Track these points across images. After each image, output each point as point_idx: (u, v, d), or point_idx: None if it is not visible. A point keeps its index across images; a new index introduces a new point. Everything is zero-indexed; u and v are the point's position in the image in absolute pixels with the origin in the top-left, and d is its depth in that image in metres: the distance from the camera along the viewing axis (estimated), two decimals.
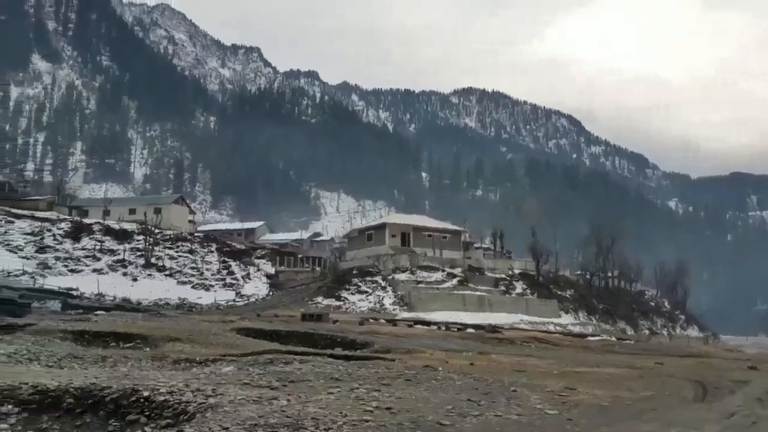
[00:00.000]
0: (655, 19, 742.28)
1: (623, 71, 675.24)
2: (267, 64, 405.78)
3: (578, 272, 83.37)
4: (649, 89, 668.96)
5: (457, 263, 65.31)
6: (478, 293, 58.86)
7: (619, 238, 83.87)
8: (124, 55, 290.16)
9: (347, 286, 57.89)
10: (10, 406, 8.14)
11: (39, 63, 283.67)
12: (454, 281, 61.70)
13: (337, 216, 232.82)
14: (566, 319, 60.09)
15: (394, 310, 52.83)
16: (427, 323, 38.55)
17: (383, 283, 58.84)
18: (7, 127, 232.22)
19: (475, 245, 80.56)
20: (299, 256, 75.28)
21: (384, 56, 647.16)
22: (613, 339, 40.73)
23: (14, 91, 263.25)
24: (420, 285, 59.32)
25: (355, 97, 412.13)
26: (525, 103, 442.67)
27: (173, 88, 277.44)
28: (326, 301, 54.44)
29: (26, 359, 12.38)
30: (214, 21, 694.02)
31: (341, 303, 54.58)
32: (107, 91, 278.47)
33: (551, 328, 50.51)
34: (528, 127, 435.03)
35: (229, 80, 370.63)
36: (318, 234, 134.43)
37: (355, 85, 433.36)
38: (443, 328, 35.87)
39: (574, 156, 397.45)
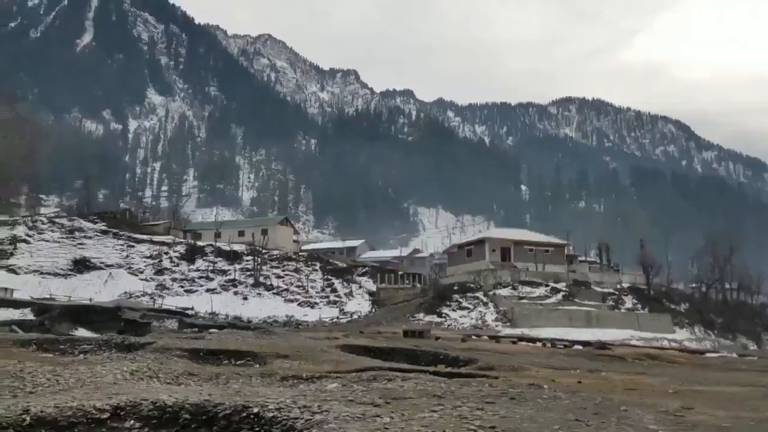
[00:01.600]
0: (758, 11, 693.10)
1: (728, 71, 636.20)
2: (364, 85, 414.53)
3: (693, 285, 78.59)
4: (760, 88, 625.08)
5: (560, 278, 63.36)
6: (584, 308, 56.78)
7: (737, 247, 78.49)
8: (231, 84, 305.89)
9: (448, 303, 57.53)
10: (132, 422, 8.66)
11: (154, 97, 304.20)
12: (559, 296, 59.87)
13: (436, 232, 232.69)
14: (681, 335, 56.76)
15: (496, 326, 51.93)
16: (532, 340, 37.57)
17: (485, 299, 58.02)
18: (127, 158, 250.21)
19: (580, 259, 77.88)
20: (399, 272, 75.69)
21: (478, 71, 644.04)
22: (734, 355, 38.00)
23: (132, 124, 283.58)
24: (523, 300, 58.01)
25: (450, 113, 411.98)
26: (628, 110, 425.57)
27: (276, 114, 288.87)
28: (427, 318, 54.32)
29: (147, 376, 13.13)
30: (313, 47, 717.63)
31: (442, 319, 54.28)
32: (216, 119, 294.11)
33: (665, 344, 47.79)
34: (632, 134, 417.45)
35: (328, 103, 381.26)
36: (417, 250, 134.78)
37: (451, 101, 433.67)
38: (549, 344, 34.82)
39: (684, 162, 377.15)
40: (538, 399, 10.91)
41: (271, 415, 8.23)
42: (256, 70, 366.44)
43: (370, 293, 66.92)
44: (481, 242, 70.99)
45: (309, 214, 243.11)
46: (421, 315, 55.30)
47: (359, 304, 63.71)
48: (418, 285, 69.51)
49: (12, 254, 66.32)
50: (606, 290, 64.32)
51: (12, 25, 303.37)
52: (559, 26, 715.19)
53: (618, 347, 36.64)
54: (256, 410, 8.41)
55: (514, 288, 60.30)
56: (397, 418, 8.15)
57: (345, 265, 75.59)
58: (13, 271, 63.04)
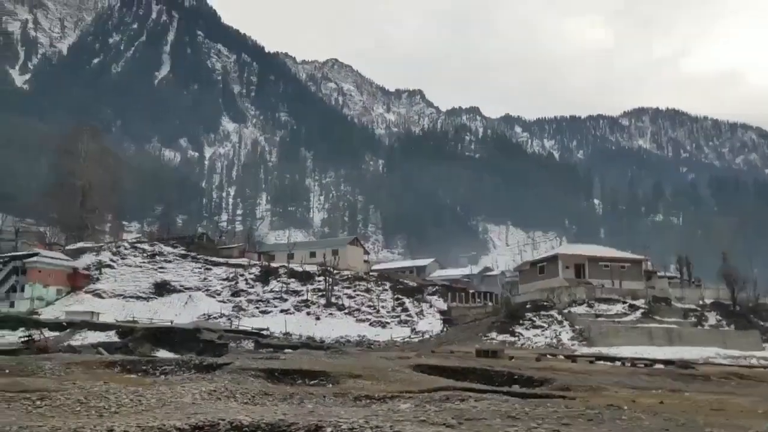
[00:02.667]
0: None
1: None
2: (429, 104, 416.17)
3: None
4: None
5: (638, 294, 61.12)
6: (665, 326, 54.49)
7: None
8: (300, 109, 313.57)
9: (521, 321, 56.45)
10: None
11: (227, 124, 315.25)
12: (637, 314, 57.71)
13: (506, 249, 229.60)
14: None
15: (572, 345, 50.50)
16: (611, 359, 36.33)
17: (559, 317, 56.61)
18: (204, 184, 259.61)
19: (659, 274, 74.86)
20: (470, 291, 74.97)
21: (543, 85, 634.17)
22: None
23: (208, 151, 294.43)
24: (599, 318, 56.23)
25: (518, 129, 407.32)
26: (705, 118, 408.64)
27: (344, 136, 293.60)
28: (500, 337, 53.46)
29: (225, 396, 13.51)
30: (378, 69, 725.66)
31: (516, 338, 53.29)
32: (286, 144, 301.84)
33: (754, 362, 45.21)
34: (710, 143, 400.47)
35: (395, 123, 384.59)
36: (488, 269, 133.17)
37: (518, 116, 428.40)
38: (628, 364, 33.57)
39: (767, 171, 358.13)
40: (617, 420, 10.56)
41: None
42: (324, 94, 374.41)
43: (441, 312, 66.51)
44: (553, 259, 69.44)
45: (378, 234, 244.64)
46: (493, 334, 54.49)
47: (430, 324, 63.40)
48: (490, 303, 68.60)
49: (98, 279, 69.74)
50: (687, 306, 61.58)
51: (95, 61, 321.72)
52: (625, 35, 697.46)
53: (702, 366, 34.95)
54: (329, 430, 8.53)
55: (590, 305, 58.57)
56: None
57: (415, 285, 75.50)
58: (99, 296, 66.25)
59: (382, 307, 67.13)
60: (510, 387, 18.40)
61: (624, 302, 59.48)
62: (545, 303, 59.46)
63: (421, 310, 66.94)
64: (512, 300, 65.40)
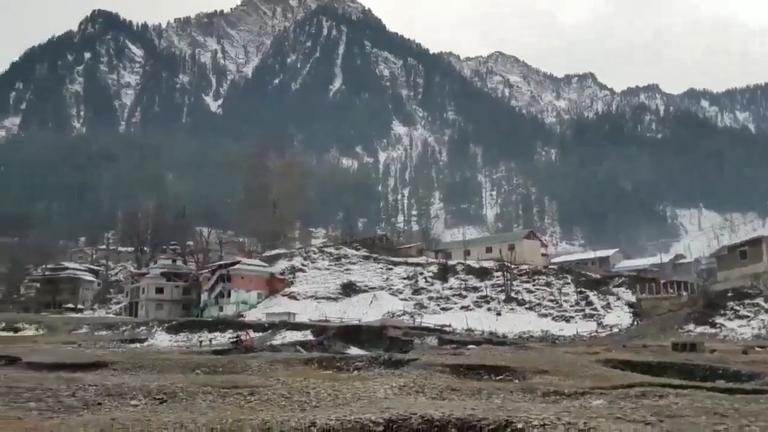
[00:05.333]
0: None
1: None
2: (602, 87, 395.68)
3: None
4: None
5: None
6: None
7: None
8: (467, 106, 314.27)
9: (722, 311, 51.62)
10: None
11: (398, 128, 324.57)
12: None
13: (699, 234, 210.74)
14: None
15: None
16: None
17: (767, 306, 51.01)
18: (380, 188, 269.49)
19: None
20: (661, 281, 69.93)
21: (730, 52, 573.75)
22: None
23: (382, 156, 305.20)
24: None
25: (704, 103, 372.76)
26: None
27: (513, 129, 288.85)
28: (699, 329, 49.32)
29: (414, 391, 14.02)
30: (545, 57, 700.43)
31: (716, 330, 48.85)
32: (455, 141, 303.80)
33: None
34: None
35: (566, 110, 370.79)
36: (680, 256, 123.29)
37: (703, 89, 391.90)
38: None
39: None
40: None
41: (535, 431, 8.31)
42: (490, 88, 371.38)
43: (630, 305, 62.86)
44: (757, 242, 62.63)
45: (555, 226, 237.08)
46: (690, 326, 50.45)
47: (618, 317, 60.19)
48: (684, 293, 63.51)
49: (292, 283, 75.27)
50: None
51: (276, 81, 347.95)
52: None
53: None
54: (520, 426, 8.56)
55: None
56: None
57: (599, 277, 72.11)
58: (294, 298, 71.44)
59: (565, 300, 65.01)
60: (713, 382, 17.03)
61: None
62: (749, 291, 53.89)
63: (608, 303, 63.80)
64: (710, 288, 60.07)
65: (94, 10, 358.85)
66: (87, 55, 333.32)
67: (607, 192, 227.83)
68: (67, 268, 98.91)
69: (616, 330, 55.94)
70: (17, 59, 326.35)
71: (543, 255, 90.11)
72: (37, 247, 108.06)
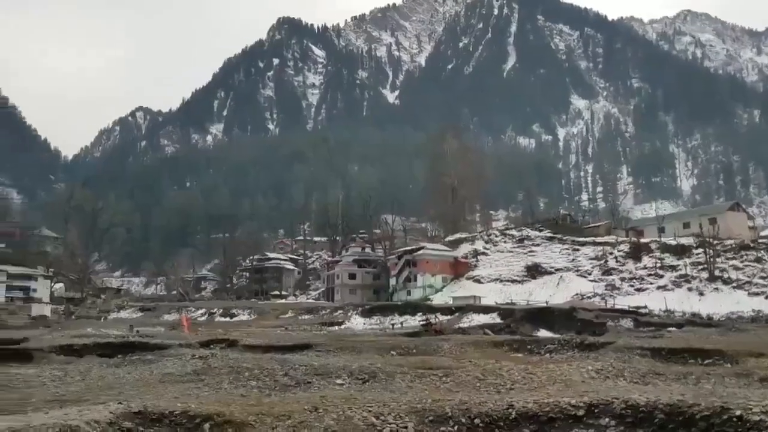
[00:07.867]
0: None
1: None
2: None
3: None
4: None
5: None
6: None
7: None
8: (653, 72, 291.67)
9: None
10: (607, 419, 9.10)
11: (577, 102, 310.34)
12: None
13: None
14: None
15: None
16: None
17: None
18: (560, 165, 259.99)
19: None
20: None
21: None
22: None
23: (561, 132, 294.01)
24: None
25: None
26: None
27: (707, 92, 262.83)
28: None
29: (612, 375, 13.58)
30: (742, 9, 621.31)
31: None
32: (642, 111, 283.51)
33: None
34: None
35: None
36: None
37: None
38: None
39: None
40: None
41: (756, 418, 7.72)
42: (678, 50, 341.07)
43: None
44: None
45: (763, 195, 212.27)
46: None
47: None
48: None
49: (475, 266, 75.61)
50: None
51: (449, 67, 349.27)
52: None
53: None
54: (738, 413, 7.99)
55: None
56: None
57: None
58: (478, 281, 71.73)
59: None
60: None
61: None
62: None
63: None
64: None
65: (279, 18, 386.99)
66: (275, 60, 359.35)
67: None
68: (271, 259, 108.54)
69: None
70: (217, 70, 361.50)
71: (750, 228, 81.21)
72: (245, 241, 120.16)
